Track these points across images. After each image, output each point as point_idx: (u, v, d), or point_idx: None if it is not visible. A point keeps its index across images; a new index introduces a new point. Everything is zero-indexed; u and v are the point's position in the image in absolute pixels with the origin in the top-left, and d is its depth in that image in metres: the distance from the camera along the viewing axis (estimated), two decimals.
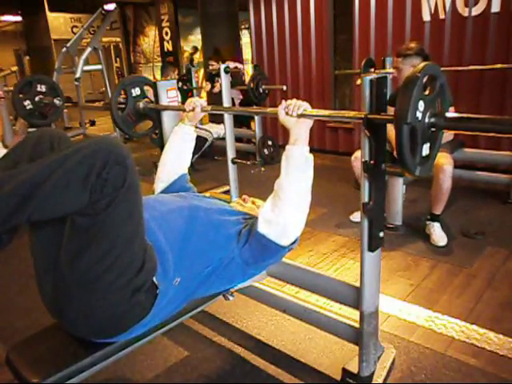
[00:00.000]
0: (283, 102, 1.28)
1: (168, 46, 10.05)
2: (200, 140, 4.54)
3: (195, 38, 10.67)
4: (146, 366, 1.65)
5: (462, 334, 1.72)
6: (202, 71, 6.96)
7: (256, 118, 3.40)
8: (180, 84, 5.14)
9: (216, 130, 4.75)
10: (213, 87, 5.10)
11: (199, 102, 1.67)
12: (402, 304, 1.96)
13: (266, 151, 3.33)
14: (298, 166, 1.23)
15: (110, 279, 0.99)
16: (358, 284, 1.40)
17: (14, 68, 8.15)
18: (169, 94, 2.10)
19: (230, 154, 2.89)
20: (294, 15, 4.78)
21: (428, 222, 2.59)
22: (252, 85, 3.77)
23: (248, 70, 7.12)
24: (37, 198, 0.91)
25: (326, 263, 2.40)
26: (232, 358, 1.68)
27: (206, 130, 4.67)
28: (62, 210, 0.95)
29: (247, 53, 8.13)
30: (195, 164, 4.54)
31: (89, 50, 6.61)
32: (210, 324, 1.89)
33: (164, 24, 9.92)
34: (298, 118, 1.24)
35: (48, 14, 10.46)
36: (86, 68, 6.76)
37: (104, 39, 9.67)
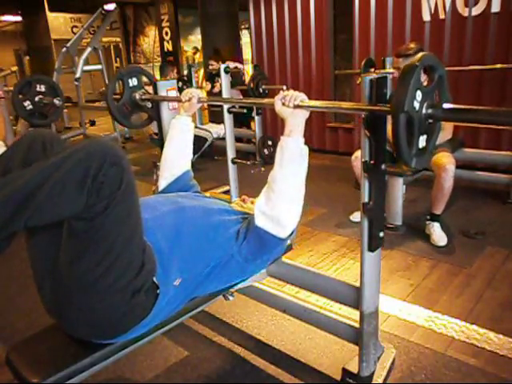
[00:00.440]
0: (280, 92, 1.27)
1: (168, 46, 10.06)
2: (200, 140, 4.54)
3: (195, 38, 10.68)
4: (146, 366, 1.65)
5: (462, 334, 1.72)
6: (201, 71, 6.96)
7: (256, 117, 3.39)
8: (180, 84, 5.14)
9: (216, 129, 4.75)
10: (213, 87, 5.10)
11: (196, 92, 1.65)
12: (402, 304, 1.96)
13: (266, 151, 3.33)
14: (292, 158, 1.22)
15: (110, 281, 0.99)
16: (358, 284, 1.40)
17: (14, 68, 8.14)
18: (169, 94, 2.11)
19: (230, 154, 2.89)
20: (294, 15, 4.78)
21: (428, 222, 2.59)
22: (252, 85, 3.77)
23: (248, 70, 7.12)
24: (32, 204, 0.89)
25: (326, 263, 2.40)
26: (232, 357, 1.68)
27: (206, 130, 4.67)
28: (58, 215, 0.94)
29: (247, 53, 8.13)
30: (195, 164, 4.51)
31: (89, 49, 6.61)
32: (210, 324, 1.89)
33: (164, 24, 9.92)
34: (294, 108, 1.23)
35: (48, 13, 10.46)
36: (86, 68, 6.75)
37: (104, 39, 9.68)
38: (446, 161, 2.46)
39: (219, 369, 1.63)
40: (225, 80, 2.80)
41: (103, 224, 0.95)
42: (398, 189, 2.67)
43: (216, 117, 5.19)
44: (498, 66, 3.28)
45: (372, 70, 3.02)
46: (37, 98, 3.17)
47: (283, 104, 1.24)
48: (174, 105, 2.09)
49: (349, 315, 1.57)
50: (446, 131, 2.63)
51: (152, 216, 1.19)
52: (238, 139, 3.87)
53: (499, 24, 3.41)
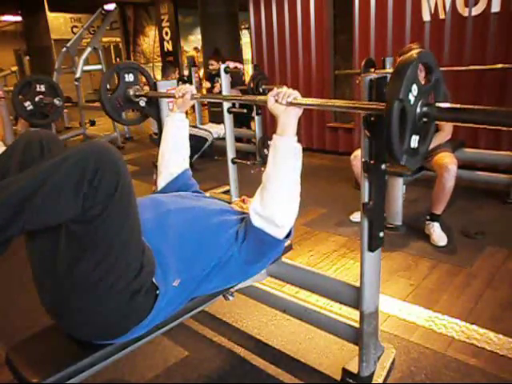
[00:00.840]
0: (274, 88, 1.25)
1: (168, 46, 10.06)
2: (200, 140, 4.54)
3: (195, 38, 10.68)
4: (146, 366, 1.65)
5: (462, 334, 1.72)
6: (201, 71, 6.96)
7: (256, 117, 3.40)
8: (180, 84, 5.14)
9: (216, 129, 4.75)
10: (213, 87, 5.10)
11: (189, 88, 1.63)
12: (402, 304, 1.96)
13: (265, 151, 3.33)
14: (285, 157, 1.20)
15: (109, 283, 0.99)
16: (358, 284, 1.40)
17: (14, 68, 8.16)
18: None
19: (230, 154, 2.89)
20: (294, 15, 4.78)
21: (428, 222, 2.59)
22: (252, 85, 3.76)
23: (248, 70, 7.12)
24: (29, 208, 0.89)
25: (326, 263, 2.40)
26: (232, 357, 1.68)
27: (206, 130, 4.67)
28: (55, 219, 0.94)
29: (247, 53, 8.13)
30: (195, 164, 4.55)
31: (89, 50, 6.61)
32: (210, 324, 1.89)
33: (164, 24, 9.92)
34: (287, 106, 1.22)
35: (48, 14, 10.45)
36: (86, 68, 6.77)
37: (104, 39, 9.68)
38: (448, 161, 2.46)
39: (219, 369, 1.63)
40: (225, 80, 2.81)
41: (100, 227, 0.95)
42: (398, 189, 2.67)
43: (216, 117, 5.19)
44: (498, 65, 3.27)
45: (372, 70, 3.02)
46: (37, 98, 3.17)
47: (276, 101, 1.22)
48: None
49: (349, 315, 1.57)
50: (446, 131, 2.62)
51: (152, 216, 1.19)
52: (237, 139, 3.88)
53: (499, 24, 3.41)
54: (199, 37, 7.47)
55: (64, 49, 6.75)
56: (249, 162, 3.20)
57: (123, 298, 1.03)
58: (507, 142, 3.49)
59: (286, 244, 1.40)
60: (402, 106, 0.96)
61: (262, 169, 1.25)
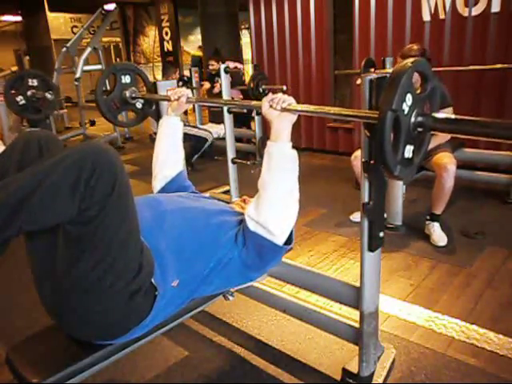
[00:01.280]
0: (269, 94, 1.25)
1: (168, 46, 10.06)
2: (200, 140, 4.54)
3: (195, 38, 10.67)
4: (146, 366, 1.65)
5: (462, 334, 1.72)
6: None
7: (256, 118, 3.40)
8: (181, 83, 5.14)
9: (216, 129, 4.75)
10: (213, 87, 5.10)
11: (185, 91, 1.61)
12: (402, 304, 1.96)
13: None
14: (279, 164, 1.19)
15: (107, 283, 0.99)
16: (358, 284, 1.40)
17: (14, 68, 8.16)
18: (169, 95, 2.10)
19: (230, 154, 2.89)
20: (294, 15, 4.78)
21: (428, 222, 2.59)
22: (252, 85, 3.77)
23: (248, 70, 7.12)
24: (26, 210, 0.89)
25: (326, 263, 2.40)
26: (232, 357, 1.68)
27: (206, 130, 4.67)
28: (52, 220, 0.94)
29: (247, 53, 8.13)
30: (195, 164, 4.55)
31: (89, 50, 6.62)
32: (210, 324, 1.89)
33: (164, 24, 9.92)
34: (281, 111, 1.21)
35: (48, 13, 10.45)
36: (86, 68, 6.77)
37: (104, 39, 9.67)
38: (447, 161, 2.46)
39: (219, 369, 1.63)
40: (225, 80, 2.81)
41: (98, 228, 0.95)
42: (397, 189, 2.67)
43: (216, 117, 5.19)
44: (498, 66, 3.27)
45: (372, 70, 3.02)
46: (29, 93, 3.11)
47: (270, 106, 1.22)
48: None
49: (349, 315, 1.56)
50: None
51: (151, 215, 1.18)
52: (237, 139, 3.88)
53: (499, 24, 3.41)
54: (199, 37, 7.47)
55: (64, 49, 6.75)
56: (249, 162, 3.20)
57: (122, 299, 1.03)
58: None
59: (286, 250, 1.37)
60: (395, 116, 0.94)
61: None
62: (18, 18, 10.93)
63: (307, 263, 2.37)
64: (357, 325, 1.44)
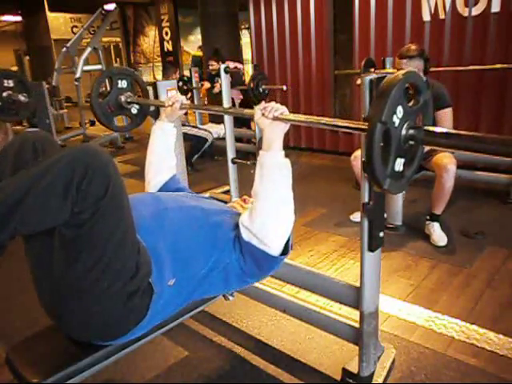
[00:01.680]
0: (262, 102, 1.25)
1: (168, 46, 10.07)
2: (200, 140, 4.55)
3: (195, 38, 10.67)
4: (146, 366, 1.65)
5: (462, 334, 1.72)
6: None
7: None
8: (181, 83, 5.15)
9: (216, 129, 4.76)
10: (213, 87, 5.10)
11: (180, 97, 1.59)
12: (402, 304, 1.96)
13: None
14: (271, 173, 1.17)
15: (105, 285, 0.99)
16: (358, 284, 1.40)
17: (14, 68, 8.16)
18: (169, 95, 2.11)
19: (230, 154, 2.89)
20: (294, 15, 4.78)
21: (428, 222, 2.59)
22: (252, 85, 3.77)
23: (248, 70, 7.13)
24: (19, 213, 0.90)
25: (326, 263, 2.40)
26: (232, 357, 1.68)
27: (206, 130, 4.67)
28: (45, 223, 0.94)
29: (247, 53, 8.13)
30: (195, 164, 4.55)
31: (89, 50, 6.62)
32: (210, 324, 1.89)
33: (164, 24, 9.94)
34: (273, 120, 1.20)
35: (48, 13, 10.47)
36: (86, 68, 6.76)
37: (104, 39, 9.67)
38: (447, 161, 2.46)
39: (219, 369, 1.63)
40: (225, 80, 2.81)
41: (93, 230, 0.95)
42: None
43: (216, 117, 5.19)
44: (498, 65, 3.28)
45: (372, 70, 3.02)
46: (5, 94, 3.02)
47: (263, 115, 1.21)
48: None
49: (349, 315, 1.56)
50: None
51: (150, 213, 1.18)
52: (237, 139, 3.87)
53: (499, 24, 3.41)
54: (199, 37, 7.47)
55: (64, 49, 6.75)
56: (249, 162, 3.20)
57: (121, 299, 1.03)
58: None
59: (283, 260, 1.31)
60: (385, 129, 0.93)
61: None
62: (18, 18, 10.94)
63: (307, 263, 2.37)
64: (357, 325, 1.44)
